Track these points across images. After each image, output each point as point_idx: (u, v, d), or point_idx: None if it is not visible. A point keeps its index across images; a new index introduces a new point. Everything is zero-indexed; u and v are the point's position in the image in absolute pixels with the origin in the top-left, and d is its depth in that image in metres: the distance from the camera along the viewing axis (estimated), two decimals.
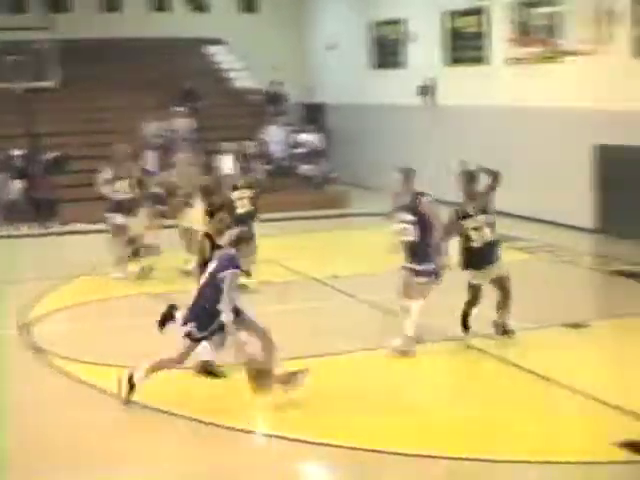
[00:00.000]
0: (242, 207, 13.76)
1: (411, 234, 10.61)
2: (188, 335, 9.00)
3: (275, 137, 24.53)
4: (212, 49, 28.05)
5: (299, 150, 24.70)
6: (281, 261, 15.62)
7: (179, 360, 9.10)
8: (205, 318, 9.00)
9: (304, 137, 25.11)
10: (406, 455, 7.87)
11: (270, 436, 8.69)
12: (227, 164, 22.63)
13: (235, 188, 13.92)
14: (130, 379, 9.00)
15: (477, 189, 10.91)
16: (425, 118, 22.92)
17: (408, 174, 10.89)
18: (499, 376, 10.28)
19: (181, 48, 26.65)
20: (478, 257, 10.79)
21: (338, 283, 14.12)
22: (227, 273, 8.90)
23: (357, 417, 8.70)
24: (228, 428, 8.55)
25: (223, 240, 9.60)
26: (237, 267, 8.98)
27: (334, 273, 14.64)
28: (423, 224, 10.56)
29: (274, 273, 14.79)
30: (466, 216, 10.78)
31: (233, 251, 9.12)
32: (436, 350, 10.83)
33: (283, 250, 16.17)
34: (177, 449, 8.29)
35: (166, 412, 8.89)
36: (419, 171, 10.99)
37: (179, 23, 27.33)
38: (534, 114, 19.35)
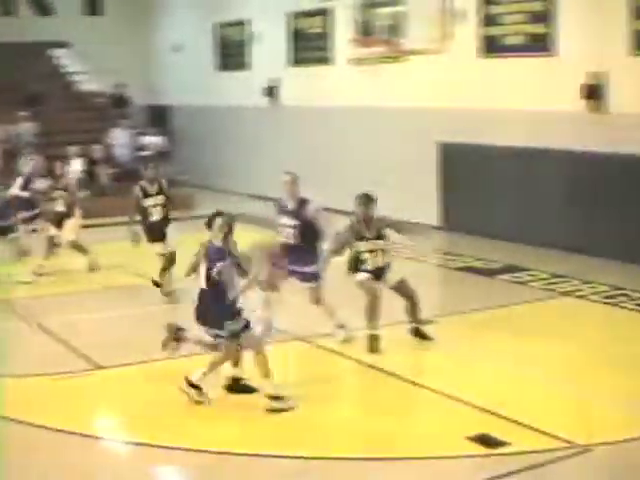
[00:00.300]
0: (156, 214, 13.40)
1: (293, 238, 10.68)
2: (231, 335, 8.79)
3: (120, 140, 24.14)
4: (57, 52, 27.38)
5: (145, 153, 24.34)
6: (127, 267, 15.31)
7: (227, 357, 9.01)
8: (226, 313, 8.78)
9: (149, 140, 24.78)
10: (257, 455, 7.75)
11: (103, 439, 8.49)
12: (74, 168, 22.16)
13: (148, 195, 13.50)
14: (191, 384, 8.80)
15: (373, 212, 10.84)
16: (270, 119, 22.91)
17: (294, 179, 11.00)
18: (348, 375, 10.29)
19: (27, 52, 25.83)
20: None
21: (179, 287, 13.82)
22: (220, 266, 8.72)
23: (202, 421, 8.55)
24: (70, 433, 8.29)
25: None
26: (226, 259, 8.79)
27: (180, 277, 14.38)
28: (305, 229, 10.69)
29: (120, 278, 14.58)
30: (362, 238, 10.70)
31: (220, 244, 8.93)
32: (284, 350, 10.78)
33: (129, 255, 15.79)
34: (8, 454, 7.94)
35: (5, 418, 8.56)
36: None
37: (24, 27, 26.57)
38: (379, 114, 19.55)
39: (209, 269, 8.83)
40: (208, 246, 9.03)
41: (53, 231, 14.91)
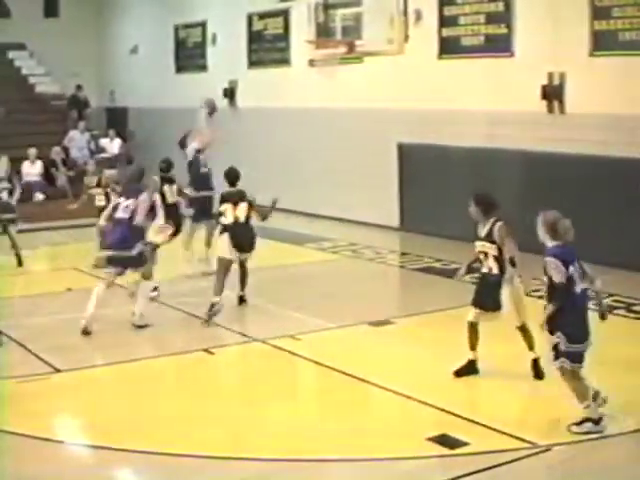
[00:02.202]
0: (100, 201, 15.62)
1: None
2: None
3: (77, 143, 23.97)
4: (14, 55, 27.10)
5: (102, 155, 24.18)
6: (82, 268, 15.21)
7: None
8: None
9: (107, 142, 24.63)
10: (217, 458, 7.68)
11: (75, 444, 8.37)
12: (33, 170, 21.98)
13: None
14: None
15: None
16: (228, 121, 22.80)
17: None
18: (308, 376, 10.28)
19: None
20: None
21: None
22: None
23: (162, 424, 8.48)
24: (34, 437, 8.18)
25: None
26: None
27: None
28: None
29: (77, 280, 14.45)
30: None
31: None
32: (239, 351, 10.75)
33: (85, 257, 15.65)
34: None
35: None
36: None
37: None
38: (338, 115, 19.54)
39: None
40: None
41: None
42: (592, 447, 7.76)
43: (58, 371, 10.01)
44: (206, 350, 10.67)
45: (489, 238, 9.47)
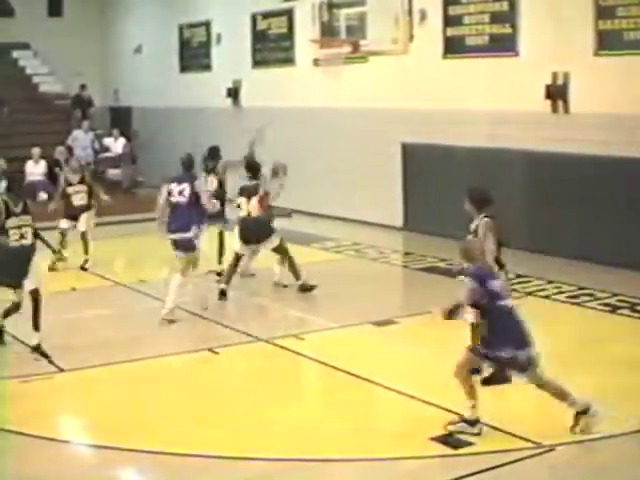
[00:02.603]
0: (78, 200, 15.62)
1: None
2: None
3: (81, 142, 23.96)
4: (18, 54, 27.10)
5: (106, 155, 24.19)
6: (86, 267, 15.23)
7: None
8: None
9: (110, 142, 24.63)
10: (221, 457, 7.67)
11: (78, 444, 8.38)
12: (36, 170, 21.97)
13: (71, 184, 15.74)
14: None
15: None
16: (233, 121, 22.81)
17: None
18: (312, 376, 10.26)
19: None
20: None
21: (145, 288, 13.79)
22: None
23: (167, 424, 8.48)
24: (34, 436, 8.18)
25: None
26: None
27: (140, 278, 14.36)
28: None
29: (81, 279, 14.42)
30: None
31: None
32: (243, 351, 10.75)
33: (90, 256, 15.67)
34: None
35: None
36: None
37: None
38: (342, 115, 19.52)
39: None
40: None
41: None
42: (595, 447, 7.76)
43: (62, 370, 10.01)
44: (210, 350, 10.67)
45: (476, 234, 9.40)
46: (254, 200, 12.98)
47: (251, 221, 13.03)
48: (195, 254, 12.12)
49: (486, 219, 9.41)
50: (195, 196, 12.15)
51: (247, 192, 13.08)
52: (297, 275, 13.24)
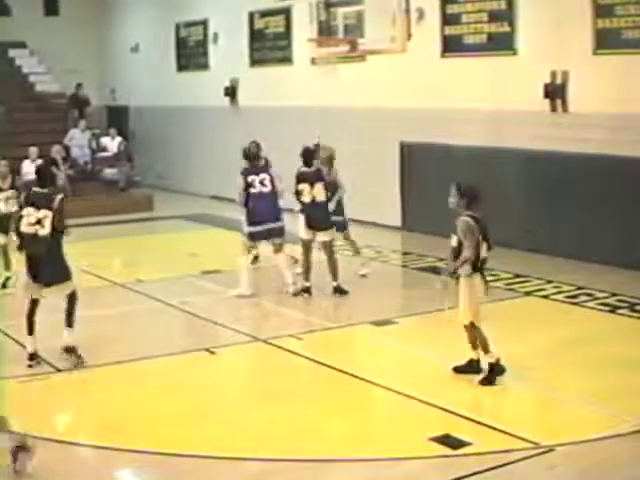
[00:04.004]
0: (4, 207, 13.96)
1: None
2: None
3: (78, 141, 23.91)
4: (14, 53, 27.05)
5: (102, 154, 24.14)
6: (83, 267, 15.12)
7: None
8: None
9: (107, 141, 24.58)
10: (220, 458, 7.64)
11: (76, 444, 8.29)
12: (33, 170, 21.92)
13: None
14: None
15: None
16: (230, 120, 22.79)
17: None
18: (310, 376, 10.21)
19: None
20: None
21: (142, 288, 13.76)
22: None
23: (165, 424, 8.45)
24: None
25: None
26: None
27: (138, 277, 14.33)
28: None
29: (77, 280, 14.30)
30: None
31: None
32: (241, 351, 10.72)
33: (86, 256, 15.64)
34: None
35: None
36: None
37: None
38: (340, 114, 19.47)
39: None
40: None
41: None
42: (594, 447, 7.72)
43: (59, 371, 9.97)
44: (208, 350, 10.63)
45: (455, 231, 9.36)
46: (319, 185, 12.96)
47: (317, 207, 12.99)
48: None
49: (468, 219, 9.31)
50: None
51: (309, 178, 13.02)
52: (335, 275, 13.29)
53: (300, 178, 13.02)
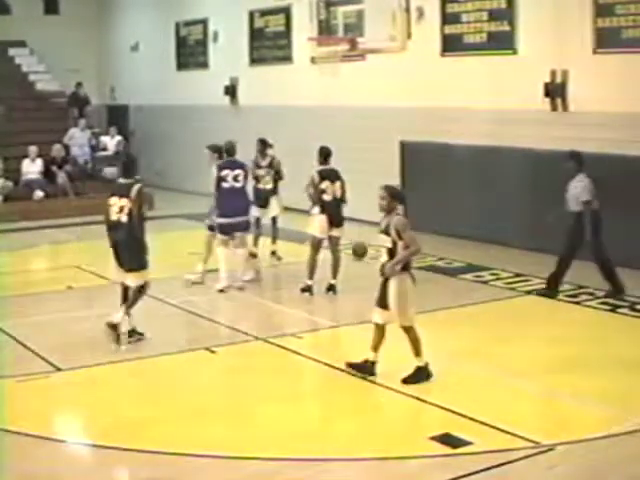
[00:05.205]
0: None
1: None
2: None
3: (78, 140, 23.91)
4: (14, 52, 27.04)
5: (102, 153, 24.13)
6: (83, 266, 15.17)
7: None
8: None
9: (107, 140, 24.57)
10: (221, 457, 7.63)
11: (75, 443, 8.33)
12: (33, 169, 21.92)
13: None
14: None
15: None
16: (230, 118, 22.77)
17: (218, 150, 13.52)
18: (310, 375, 10.21)
19: None
20: None
21: None
22: None
23: (164, 423, 8.45)
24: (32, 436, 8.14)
25: None
26: None
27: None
28: None
29: (77, 278, 14.36)
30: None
31: None
32: (241, 350, 10.70)
33: (86, 255, 15.67)
34: None
35: None
36: None
37: None
38: (340, 113, 19.47)
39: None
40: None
41: None
42: (594, 447, 7.72)
43: (59, 370, 9.96)
44: (208, 349, 10.62)
45: (387, 233, 9.37)
46: (338, 182, 13.12)
47: (336, 204, 13.17)
48: None
49: (399, 216, 9.47)
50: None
51: (329, 176, 13.17)
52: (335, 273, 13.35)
53: (321, 176, 13.12)
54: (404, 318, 9.28)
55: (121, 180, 10.89)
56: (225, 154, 13.53)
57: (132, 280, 10.75)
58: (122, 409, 8.84)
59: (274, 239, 15.50)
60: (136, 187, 10.64)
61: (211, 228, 13.56)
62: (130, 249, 10.63)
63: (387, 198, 9.50)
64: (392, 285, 9.25)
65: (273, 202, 15.37)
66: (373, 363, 9.46)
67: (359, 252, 15.36)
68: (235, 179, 13.31)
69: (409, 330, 9.33)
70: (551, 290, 12.84)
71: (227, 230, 13.27)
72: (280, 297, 13.35)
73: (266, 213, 15.30)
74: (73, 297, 13.53)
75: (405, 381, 9.23)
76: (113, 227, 10.68)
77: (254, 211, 14.52)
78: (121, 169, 11.11)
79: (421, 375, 9.28)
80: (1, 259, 15.71)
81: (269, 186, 15.30)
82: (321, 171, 13.15)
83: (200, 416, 8.61)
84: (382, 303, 9.40)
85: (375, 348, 9.46)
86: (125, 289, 10.87)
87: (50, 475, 7.52)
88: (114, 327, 10.57)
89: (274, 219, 15.48)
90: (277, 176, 15.42)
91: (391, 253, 9.32)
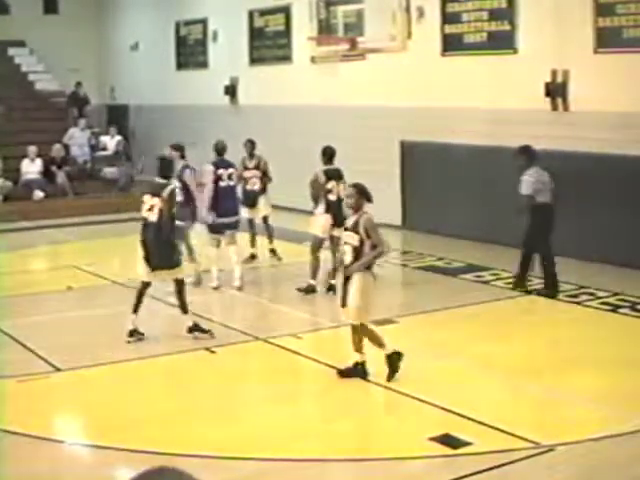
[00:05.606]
0: None
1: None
2: None
3: (78, 140, 23.89)
4: (14, 52, 27.03)
5: (102, 153, 24.11)
6: (83, 266, 15.15)
7: None
8: None
9: (107, 139, 24.56)
10: (217, 457, 7.63)
11: (75, 443, 8.34)
12: (32, 168, 21.90)
13: None
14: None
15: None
16: (230, 118, 22.76)
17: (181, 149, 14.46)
18: (310, 375, 10.20)
19: None
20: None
21: None
22: None
23: (161, 423, 8.45)
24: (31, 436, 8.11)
25: None
26: None
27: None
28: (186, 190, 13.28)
29: (77, 278, 14.34)
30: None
31: None
32: (240, 350, 10.70)
33: (85, 255, 15.65)
34: None
35: None
36: None
37: None
38: (340, 113, 19.45)
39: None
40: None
41: None
42: (594, 447, 7.71)
43: (58, 370, 9.95)
44: (207, 349, 10.61)
45: (355, 229, 9.34)
46: (342, 182, 13.05)
47: (340, 204, 12.82)
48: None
49: (367, 215, 9.48)
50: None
51: (334, 176, 13.17)
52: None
53: (327, 176, 13.14)
54: (364, 315, 9.25)
55: (156, 179, 10.98)
56: (215, 153, 13.74)
57: (162, 278, 10.93)
58: (122, 409, 8.84)
59: (270, 238, 15.48)
60: (169, 187, 10.76)
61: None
62: (159, 248, 10.68)
63: (355, 196, 9.46)
64: (354, 282, 9.22)
65: (262, 202, 15.37)
66: (362, 364, 9.42)
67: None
68: (229, 178, 13.50)
69: (363, 329, 9.29)
70: (549, 289, 12.84)
71: (219, 229, 13.30)
72: (280, 297, 13.33)
73: (256, 213, 15.30)
74: (72, 297, 13.52)
75: (389, 379, 9.23)
76: (144, 225, 10.84)
77: (243, 212, 14.56)
78: (157, 168, 11.18)
79: (395, 362, 9.29)
80: (1, 259, 15.68)
81: (257, 187, 15.33)
82: (327, 171, 13.14)
83: (200, 416, 8.61)
84: (346, 302, 9.37)
85: (358, 349, 9.41)
86: (141, 291, 10.86)
87: (50, 475, 7.51)
88: (195, 328, 10.81)
89: (265, 218, 15.45)
90: (265, 178, 15.45)
91: (356, 251, 9.23)
